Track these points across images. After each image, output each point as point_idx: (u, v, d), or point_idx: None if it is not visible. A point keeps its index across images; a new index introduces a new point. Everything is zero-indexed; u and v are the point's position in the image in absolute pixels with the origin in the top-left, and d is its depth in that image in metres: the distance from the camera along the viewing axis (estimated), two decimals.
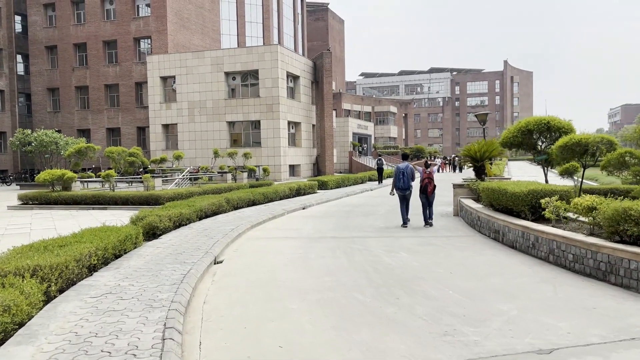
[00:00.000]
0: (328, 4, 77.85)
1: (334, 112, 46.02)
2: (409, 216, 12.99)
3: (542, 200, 9.14)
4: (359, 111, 69.04)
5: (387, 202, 19.77)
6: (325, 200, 20.72)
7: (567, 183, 16.02)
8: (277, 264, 8.79)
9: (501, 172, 25.67)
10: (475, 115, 19.45)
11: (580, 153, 10.89)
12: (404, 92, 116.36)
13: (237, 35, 57.25)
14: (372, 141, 63.83)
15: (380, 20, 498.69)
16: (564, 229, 8.44)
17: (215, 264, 9.26)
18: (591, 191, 11.95)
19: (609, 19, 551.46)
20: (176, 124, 40.32)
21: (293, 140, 41.16)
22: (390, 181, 34.36)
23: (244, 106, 38.51)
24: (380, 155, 40.69)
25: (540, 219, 9.66)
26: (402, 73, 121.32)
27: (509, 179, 16.06)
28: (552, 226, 8.76)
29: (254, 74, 38.54)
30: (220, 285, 7.47)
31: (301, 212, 17.16)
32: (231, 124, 39.48)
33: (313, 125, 44.50)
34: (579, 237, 7.48)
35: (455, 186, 14.81)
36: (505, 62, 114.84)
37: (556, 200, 9.02)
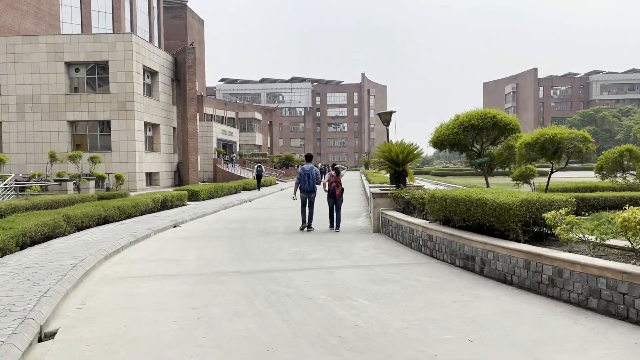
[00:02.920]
0: (187, 1, 72.42)
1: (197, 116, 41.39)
2: (312, 225, 12.72)
3: (547, 215, 6.49)
4: (222, 116, 64.86)
5: (280, 215, 16.39)
6: (200, 215, 16.67)
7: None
8: (162, 338, 4.92)
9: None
10: (378, 114, 16.98)
11: (552, 152, 8.60)
12: (266, 101, 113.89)
13: (82, 25, 49.70)
14: (237, 148, 59.96)
15: (240, 24, 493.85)
16: (591, 256, 5.84)
17: (41, 340, 5.10)
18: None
19: (448, 44, 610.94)
20: (0, 122, 32.68)
21: (151, 145, 35.90)
22: (269, 190, 31.00)
23: (90, 103, 32.43)
24: (259, 162, 38.35)
25: (534, 239, 7.05)
26: (263, 81, 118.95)
27: (422, 186, 13.74)
28: (569, 251, 6.13)
29: (103, 66, 32.72)
30: None
31: (175, 232, 13.02)
32: (74, 124, 33.10)
33: (174, 129, 39.55)
34: None
35: (375, 195, 11.95)
36: (363, 75, 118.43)
37: (566, 214, 6.43)
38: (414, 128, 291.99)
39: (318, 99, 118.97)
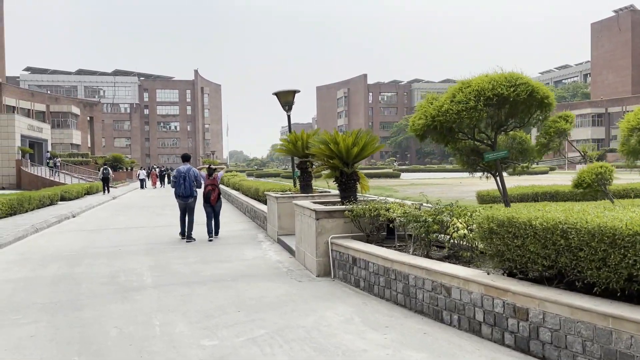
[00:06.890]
0: None
1: None
2: (192, 233, 11.15)
3: None
4: (29, 109, 53.42)
5: (131, 242, 10.61)
6: None
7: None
8: None
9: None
10: (275, 94, 12.20)
11: None
12: (84, 95, 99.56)
13: None
14: (49, 147, 49.43)
15: (50, 7, 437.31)
16: None
17: None
18: None
19: (282, 50, 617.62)
20: None
21: None
22: (96, 199, 23.79)
23: None
24: (105, 164, 36.08)
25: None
26: (80, 72, 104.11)
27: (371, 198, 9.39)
28: None
29: None
30: None
31: None
32: None
33: None
34: None
35: (320, 215, 7.16)
36: (196, 72, 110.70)
37: None
38: (247, 135, 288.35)
39: (146, 95, 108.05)
